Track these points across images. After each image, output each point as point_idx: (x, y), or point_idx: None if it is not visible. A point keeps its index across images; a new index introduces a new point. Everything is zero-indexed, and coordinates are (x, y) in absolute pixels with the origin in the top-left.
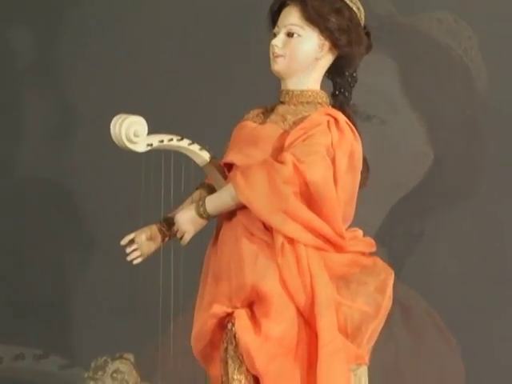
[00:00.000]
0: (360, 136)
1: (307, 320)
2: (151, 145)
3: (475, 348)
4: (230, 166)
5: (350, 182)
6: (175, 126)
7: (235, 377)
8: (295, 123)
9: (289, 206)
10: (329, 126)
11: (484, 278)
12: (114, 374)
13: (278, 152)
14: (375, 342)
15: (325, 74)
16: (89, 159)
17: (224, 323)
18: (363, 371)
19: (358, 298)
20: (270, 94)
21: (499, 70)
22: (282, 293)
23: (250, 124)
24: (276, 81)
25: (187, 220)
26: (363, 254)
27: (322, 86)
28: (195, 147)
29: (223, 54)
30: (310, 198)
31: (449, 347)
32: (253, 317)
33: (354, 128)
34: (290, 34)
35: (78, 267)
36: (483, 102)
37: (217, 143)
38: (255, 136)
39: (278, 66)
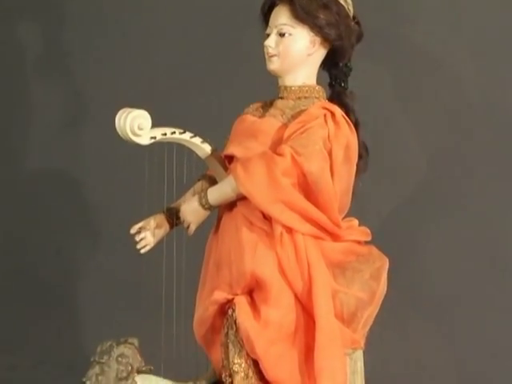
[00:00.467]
0: (358, 125)
1: (305, 306)
2: (155, 138)
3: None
4: (230, 158)
5: (346, 173)
6: (178, 119)
7: (235, 361)
8: (293, 117)
9: (287, 197)
10: (325, 120)
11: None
12: (119, 358)
13: (277, 145)
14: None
15: (320, 66)
16: (96, 152)
17: (225, 309)
18: (359, 355)
19: (353, 284)
20: (269, 89)
21: (491, 79)
22: (280, 280)
23: (249, 118)
24: (274, 77)
25: (191, 211)
26: (359, 242)
27: (319, 78)
28: (197, 140)
29: (225, 50)
30: (307, 188)
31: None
32: (252, 303)
33: (349, 121)
34: (281, 34)
35: (85, 255)
36: (475, 112)
37: (217, 136)
38: (255, 129)
39: (273, 65)
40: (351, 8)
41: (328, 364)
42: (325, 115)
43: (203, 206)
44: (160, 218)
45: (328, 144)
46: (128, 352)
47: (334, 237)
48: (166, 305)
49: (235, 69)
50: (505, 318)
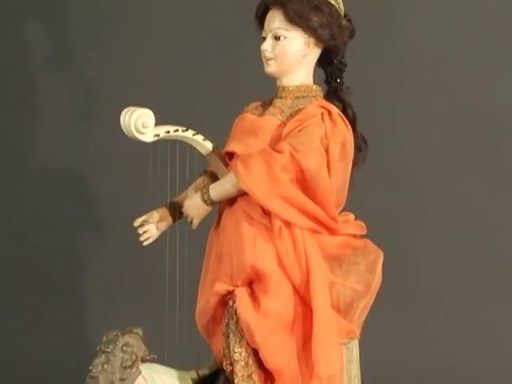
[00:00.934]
0: (356, 118)
1: (303, 297)
2: (158, 135)
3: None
4: (231, 155)
5: (342, 169)
6: (181, 117)
7: (236, 350)
8: (291, 115)
9: (286, 192)
10: (322, 118)
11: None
12: (124, 348)
13: (276, 142)
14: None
15: (316, 64)
16: (101, 149)
17: (226, 300)
18: (354, 344)
19: (349, 277)
20: (268, 89)
21: (484, 77)
22: (279, 272)
23: (249, 116)
24: (272, 78)
25: (194, 207)
26: (355, 236)
27: (315, 75)
28: (199, 137)
29: (225, 51)
30: (305, 184)
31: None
32: (252, 294)
33: (345, 119)
34: (276, 38)
35: (91, 248)
36: (467, 108)
37: (219, 134)
38: (255, 127)
39: (271, 67)
40: (342, 7)
41: (325, 353)
42: (322, 114)
43: (205, 202)
44: (163, 212)
45: (325, 141)
46: (133, 341)
47: (331, 231)
48: (169, 297)
49: (235, 69)
50: (494, 312)
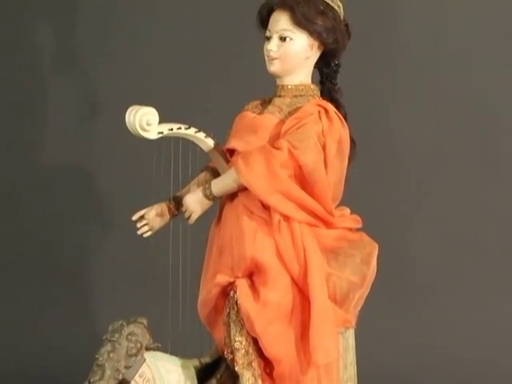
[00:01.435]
0: (346, 118)
1: (301, 288)
2: (162, 133)
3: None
4: (231, 152)
5: (339, 165)
6: (183, 115)
7: (237, 339)
8: (290, 113)
9: (284, 187)
10: (320, 116)
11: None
12: (129, 336)
13: (275, 139)
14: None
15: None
16: (107, 146)
17: (227, 291)
18: (350, 334)
19: (345, 268)
20: (267, 87)
21: (478, 76)
22: (278, 264)
23: (249, 114)
24: (272, 76)
25: (195, 201)
26: (350, 229)
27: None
28: (201, 135)
29: (225, 51)
30: (303, 179)
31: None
32: (252, 285)
33: (341, 117)
34: (282, 39)
35: (96, 242)
36: (459, 106)
37: (220, 131)
38: (254, 125)
39: (274, 67)
40: (342, 12)
41: (322, 341)
42: (319, 112)
43: (207, 197)
44: (162, 207)
45: (322, 138)
46: (137, 330)
47: (328, 224)
48: (173, 288)
49: (235, 69)
50: (486, 305)
